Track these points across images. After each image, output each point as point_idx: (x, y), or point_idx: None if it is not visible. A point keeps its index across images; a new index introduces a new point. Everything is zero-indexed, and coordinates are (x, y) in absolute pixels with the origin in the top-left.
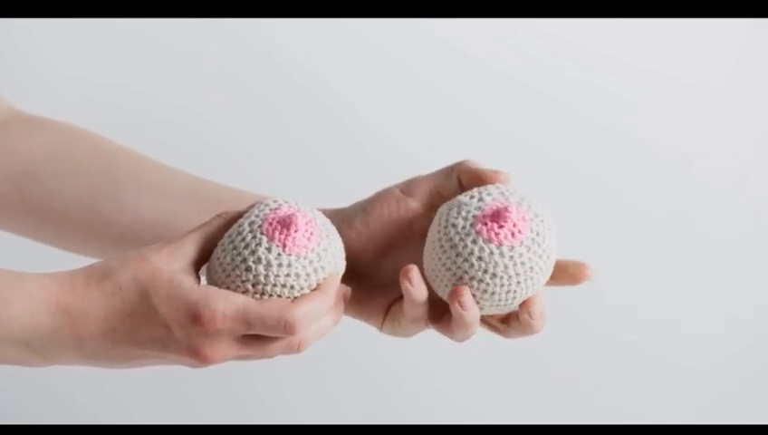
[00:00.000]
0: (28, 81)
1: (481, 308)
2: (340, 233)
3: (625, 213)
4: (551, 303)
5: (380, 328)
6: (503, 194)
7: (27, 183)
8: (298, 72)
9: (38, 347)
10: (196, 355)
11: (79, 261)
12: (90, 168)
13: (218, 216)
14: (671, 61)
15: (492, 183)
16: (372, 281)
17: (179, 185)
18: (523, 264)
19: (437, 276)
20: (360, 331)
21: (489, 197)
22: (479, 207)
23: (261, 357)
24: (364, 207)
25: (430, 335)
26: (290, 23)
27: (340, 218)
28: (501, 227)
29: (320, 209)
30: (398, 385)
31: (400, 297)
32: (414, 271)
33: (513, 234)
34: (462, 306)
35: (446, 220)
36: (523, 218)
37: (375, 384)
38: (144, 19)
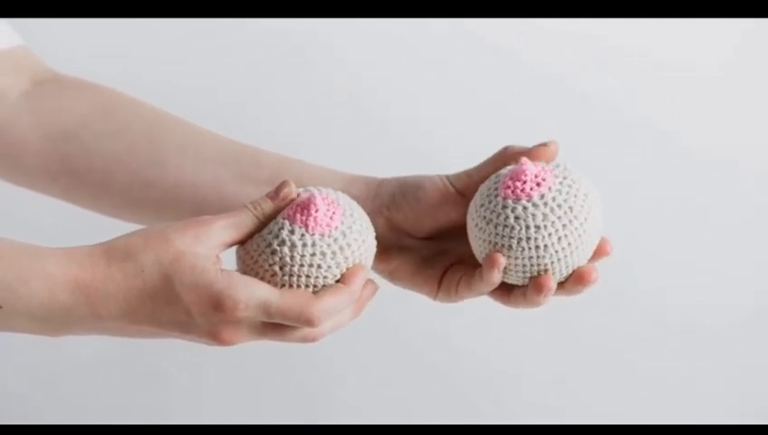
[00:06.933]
0: None
1: (545, 266)
2: (389, 214)
3: (643, 202)
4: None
5: (434, 298)
6: (519, 163)
7: (67, 144)
8: (302, 70)
9: (55, 323)
10: (215, 338)
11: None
12: (131, 130)
13: (248, 208)
14: (706, 59)
15: (544, 157)
16: (422, 254)
17: (220, 149)
18: (559, 206)
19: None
20: (371, 330)
21: (505, 169)
22: (497, 180)
23: (279, 341)
24: (411, 196)
25: (449, 334)
26: (294, 23)
27: (389, 200)
28: (524, 182)
29: (365, 177)
30: (408, 383)
31: (453, 266)
32: (502, 260)
33: (538, 184)
34: (496, 269)
35: (477, 203)
36: (543, 169)
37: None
38: (146, 19)
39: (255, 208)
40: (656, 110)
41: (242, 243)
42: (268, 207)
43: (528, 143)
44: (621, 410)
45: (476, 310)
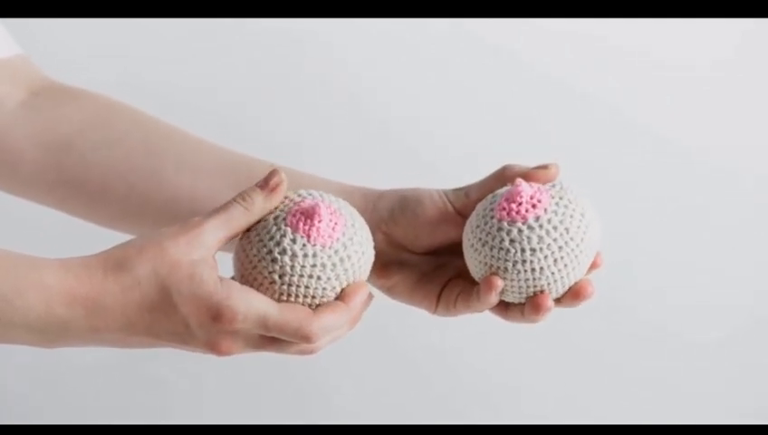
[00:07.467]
0: None
1: (541, 287)
2: (387, 229)
3: (643, 202)
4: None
5: (433, 312)
6: (515, 184)
7: (63, 154)
8: (301, 70)
9: (52, 335)
10: (213, 349)
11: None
12: (128, 140)
13: (236, 201)
14: (709, 59)
15: (543, 180)
16: (421, 269)
17: (216, 160)
18: (555, 228)
19: (482, 277)
20: (374, 330)
21: (502, 190)
22: (493, 201)
23: (276, 353)
24: (410, 211)
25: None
26: (294, 23)
27: (387, 215)
28: (519, 204)
29: (363, 189)
30: (409, 384)
31: (451, 280)
32: (500, 284)
33: (533, 205)
34: (493, 292)
35: (473, 224)
36: (538, 190)
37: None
38: (146, 19)
39: (245, 200)
40: (656, 110)
41: (236, 237)
42: (258, 196)
43: (527, 143)
44: (621, 411)
45: (475, 321)
